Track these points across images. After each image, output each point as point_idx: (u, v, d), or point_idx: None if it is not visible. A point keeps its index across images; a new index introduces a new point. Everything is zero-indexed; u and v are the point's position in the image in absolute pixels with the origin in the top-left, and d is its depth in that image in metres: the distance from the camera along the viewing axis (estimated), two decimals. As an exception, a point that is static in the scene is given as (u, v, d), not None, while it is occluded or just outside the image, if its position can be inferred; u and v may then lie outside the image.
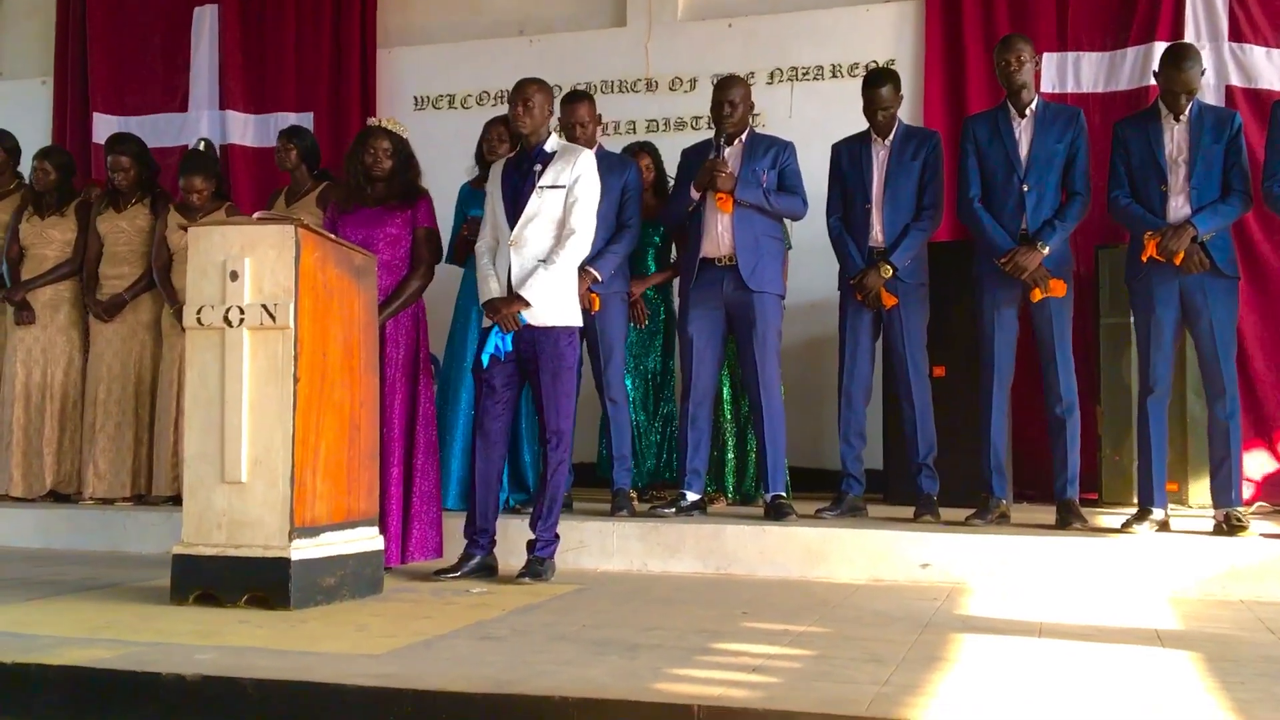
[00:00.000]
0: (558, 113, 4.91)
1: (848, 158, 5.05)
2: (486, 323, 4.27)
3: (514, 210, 4.25)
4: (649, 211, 5.40)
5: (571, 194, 4.25)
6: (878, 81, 4.98)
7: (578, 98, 5.08)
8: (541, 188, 4.24)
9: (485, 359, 4.23)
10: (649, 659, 2.99)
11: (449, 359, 5.12)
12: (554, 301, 4.22)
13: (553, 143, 4.34)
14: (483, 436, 4.32)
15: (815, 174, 5.24)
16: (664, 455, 5.67)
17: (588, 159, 4.32)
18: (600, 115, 5.24)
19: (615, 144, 5.81)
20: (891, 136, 4.98)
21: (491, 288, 4.26)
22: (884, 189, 4.93)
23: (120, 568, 4.61)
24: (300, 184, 5.65)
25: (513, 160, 4.40)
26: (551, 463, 4.25)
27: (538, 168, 4.27)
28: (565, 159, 4.29)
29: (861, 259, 4.92)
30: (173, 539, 3.85)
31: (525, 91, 4.29)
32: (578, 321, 4.32)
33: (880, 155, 4.98)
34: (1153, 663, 3.02)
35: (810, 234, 5.57)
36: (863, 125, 5.12)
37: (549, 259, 4.21)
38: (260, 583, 3.65)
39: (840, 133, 5.23)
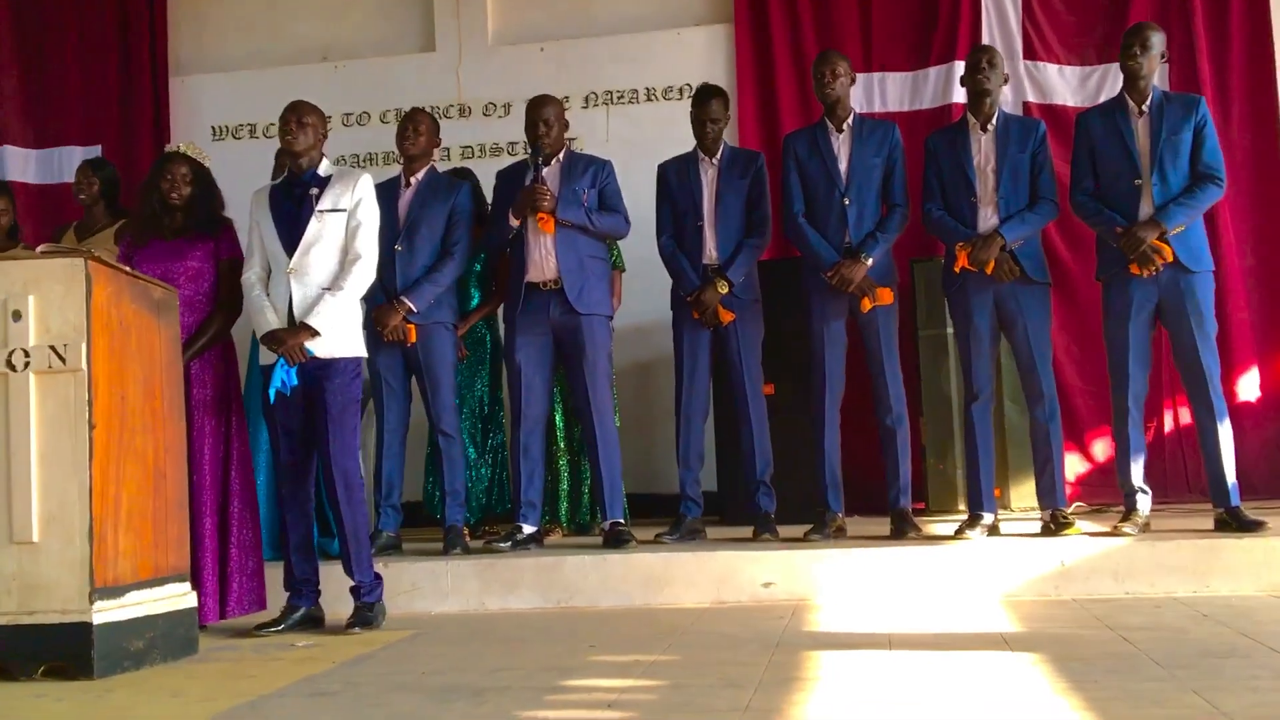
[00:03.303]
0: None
1: (676, 177, 5.00)
2: (266, 358, 4.01)
3: (290, 237, 4.02)
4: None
5: (354, 217, 4.06)
6: (709, 95, 4.97)
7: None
8: (321, 212, 4.04)
9: (273, 395, 3.97)
10: (497, 702, 2.82)
11: (246, 395, 4.77)
12: (340, 331, 4.01)
13: (326, 166, 4.16)
14: (289, 482, 4.08)
15: (637, 196, 5.18)
16: (495, 489, 5.47)
17: (366, 182, 4.14)
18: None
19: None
20: (719, 156, 4.96)
21: (269, 319, 4.00)
22: (715, 207, 4.90)
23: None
24: (96, 219, 5.29)
25: (280, 186, 4.18)
26: (344, 503, 4.00)
27: (314, 191, 4.07)
28: (343, 182, 4.11)
29: (697, 276, 4.87)
30: (-46, 610, 3.46)
31: (299, 110, 4.11)
32: (363, 352, 4.12)
33: (709, 174, 4.95)
34: (1006, 667, 3.02)
35: (636, 256, 5.51)
36: (681, 148, 5.10)
37: (335, 286, 4.00)
38: (58, 652, 3.31)
39: (659, 155, 5.19)
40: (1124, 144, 4.45)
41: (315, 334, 3.94)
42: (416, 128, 4.98)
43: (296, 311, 3.97)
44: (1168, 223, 4.33)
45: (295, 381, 3.95)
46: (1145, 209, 4.40)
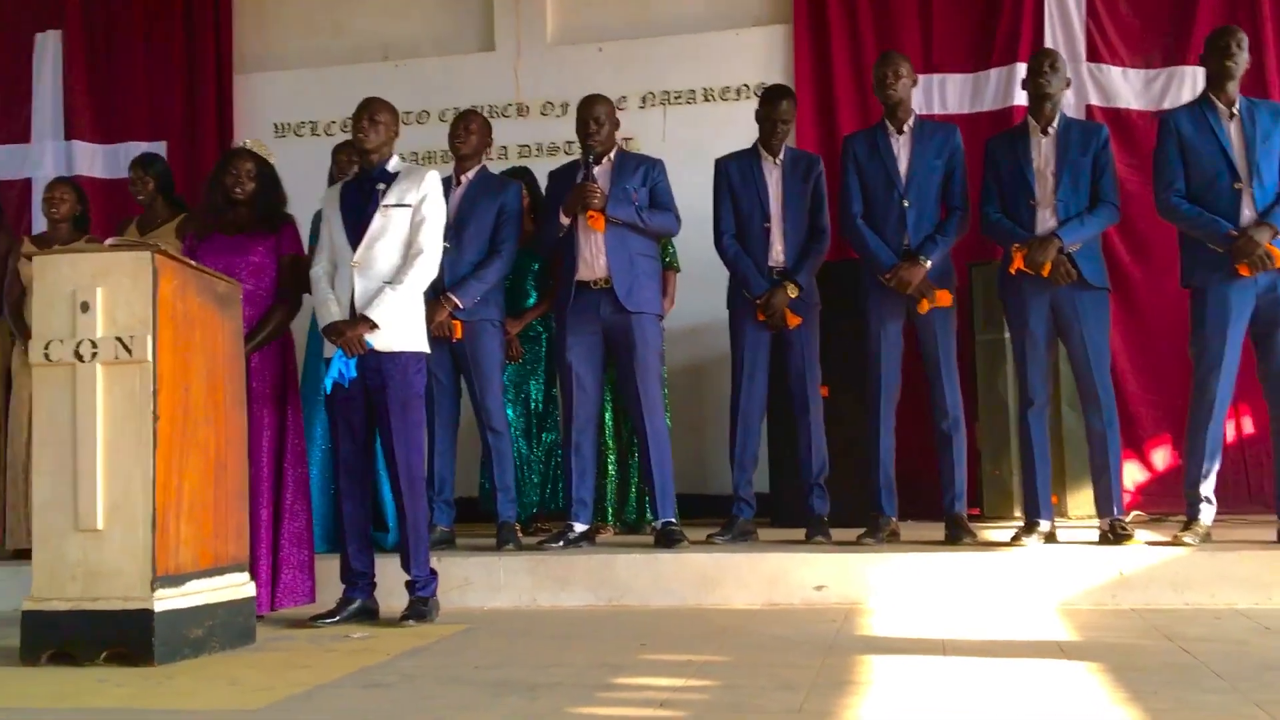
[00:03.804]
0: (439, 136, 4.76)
1: (738, 175, 4.97)
2: (328, 350, 4.06)
3: (356, 231, 4.07)
4: (524, 238, 5.27)
5: (419, 213, 4.10)
6: (780, 95, 4.96)
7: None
8: (386, 206, 4.08)
9: (328, 385, 4.01)
10: (550, 699, 2.83)
11: (303, 390, 4.83)
12: (401, 325, 4.04)
13: (395, 163, 4.20)
14: (346, 476, 4.12)
15: (694, 196, 5.17)
16: (549, 486, 5.50)
17: (434, 178, 4.18)
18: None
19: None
20: (781, 157, 4.95)
21: (331, 311, 4.05)
22: (783, 208, 4.89)
23: (-38, 629, 4.25)
24: (156, 214, 5.40)
25: (352, 182, 4.25)
26: (407, 498, 4.05)
27: (381, 186, 4.11)
28: (410, 178, 4.15)
29: (763, 279, 4.86)
30: (21, 594, 3.53)
31: (372, 108, 4.16)
32: (425, 347, 4.15)
33: (774, 175, 4.93)
34: (1062, 676, 2.99)
35: (688, 256, 5.52)
36: (736, 148, 5.08)
37: (395, 280, 4.03)
38: (121, 638, 3.37)
39: (715, 156, 5.16)
40: (1219, 146, 4.38)
41: (374, 326, 3.98)
42: (468, 127, 5.03)
43: (358, 304, 4.02)
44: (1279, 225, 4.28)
45: (353, 373, 3.99)
46: (1247, 213, 4.33)
